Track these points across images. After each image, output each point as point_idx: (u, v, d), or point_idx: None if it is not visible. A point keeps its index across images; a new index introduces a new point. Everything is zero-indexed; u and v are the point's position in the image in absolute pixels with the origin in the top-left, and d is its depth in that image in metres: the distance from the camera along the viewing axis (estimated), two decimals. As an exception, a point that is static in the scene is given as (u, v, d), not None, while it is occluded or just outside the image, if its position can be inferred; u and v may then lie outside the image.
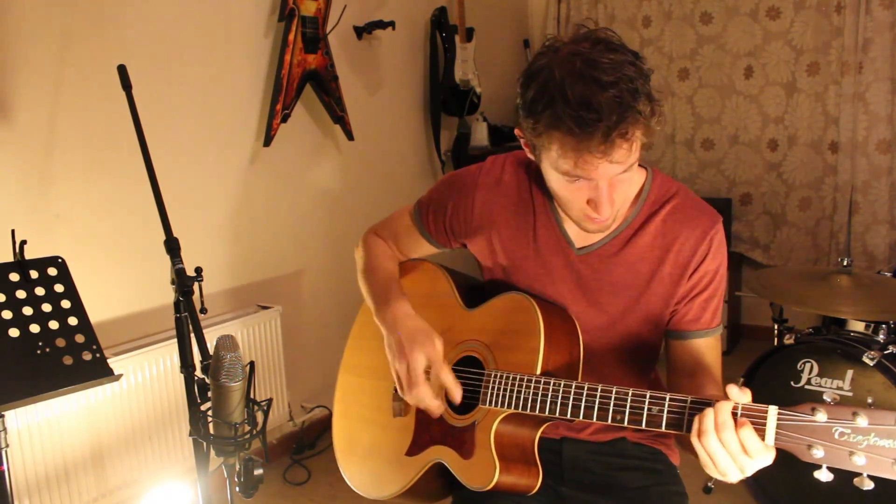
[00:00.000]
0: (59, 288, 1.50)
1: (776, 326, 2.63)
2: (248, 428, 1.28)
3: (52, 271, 1.51)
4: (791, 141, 3.96)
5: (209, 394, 1.29)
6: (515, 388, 1.25)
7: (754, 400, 1.02)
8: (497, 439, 1.27)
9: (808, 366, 2.30)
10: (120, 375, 1.51)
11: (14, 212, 2.10)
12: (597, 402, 1.15)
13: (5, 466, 1.46)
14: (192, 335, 1.40)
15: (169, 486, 2.34)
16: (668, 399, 1.09)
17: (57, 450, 2.14)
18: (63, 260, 1.53)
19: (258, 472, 1.29)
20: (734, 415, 1.00)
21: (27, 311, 1.43)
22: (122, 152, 2.32)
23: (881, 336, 2.34)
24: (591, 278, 1.34)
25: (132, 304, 2.43)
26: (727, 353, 3.97)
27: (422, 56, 3.75)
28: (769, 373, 2.39)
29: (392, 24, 3.30)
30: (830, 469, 0.95)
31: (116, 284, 2.37)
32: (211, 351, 1.28)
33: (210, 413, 1.29)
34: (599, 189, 1.16)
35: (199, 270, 1.45)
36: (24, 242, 1.48)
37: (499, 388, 1.27)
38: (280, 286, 2.99)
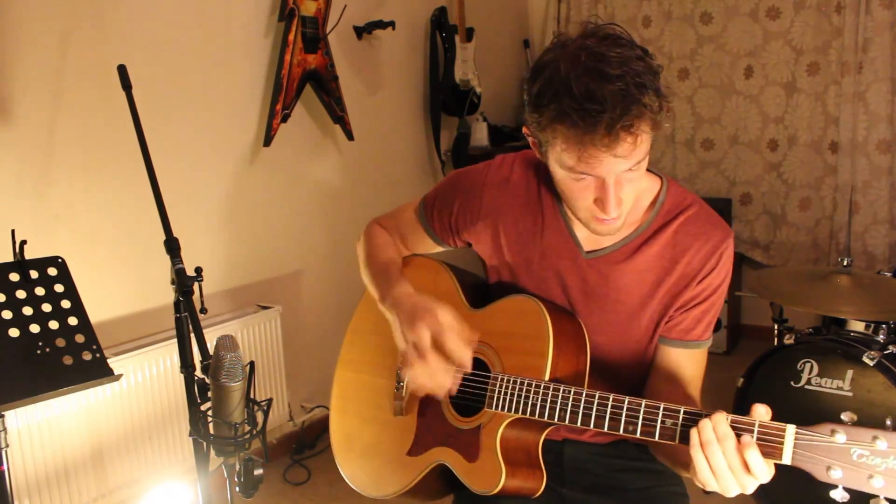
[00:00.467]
0: (59, 288, 1.50)
1: (776, 326, 2.63)
2: (248, 428, 1.28)
3: (52, 271, 1.51)
4: (791, 141, 3.96)
5: (209, 394, 1.29)
6: (523, 394, 1.23)
7: (755, 400, 1.02)
8: (503, 443, 1.26)
9: (808, 366, 2.30)
10: (120, 375, 1.51)
11: (14, 212, 2.10)
12: (608, 412, 1.14)
13: (5, 466, 1.46)
14: (192, 335, 1.40)
15: (169, 486, 2.34)
16: (682, 412, 1.08)
17: (57, 450, 2.14)
18: (63, 260, 1.53)
19: (258, 472, 1.29)
20: (747, 433, 1.00)
21: (27, 311, 1.43)
22: (122, 152, 2.32)
23: (881, 336, 2.34)
24: (597, 283, 1.32)
25: (132, 304, 2.42)
26: (727, 353, 3.97)
27: (422, 56, 3.75)
28: (769, 373, 2.39)
29: (392, 24, 3.30)
30: (846, 489, 0.95)
31: (116, 284, 2.37)
32: (211, 351, 1.28)
33: (210, 413, 1.29)
34: (606, 187, 1.14)
35: (199, 270, 1.44)
36: (24, 242, 1.48)
37: (505, 392, 1.26)
38: (280, 286, 2.99)
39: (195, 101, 2.60)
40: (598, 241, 1.32)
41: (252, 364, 1.30)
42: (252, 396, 1.29)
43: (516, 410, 1.24)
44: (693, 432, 1.02)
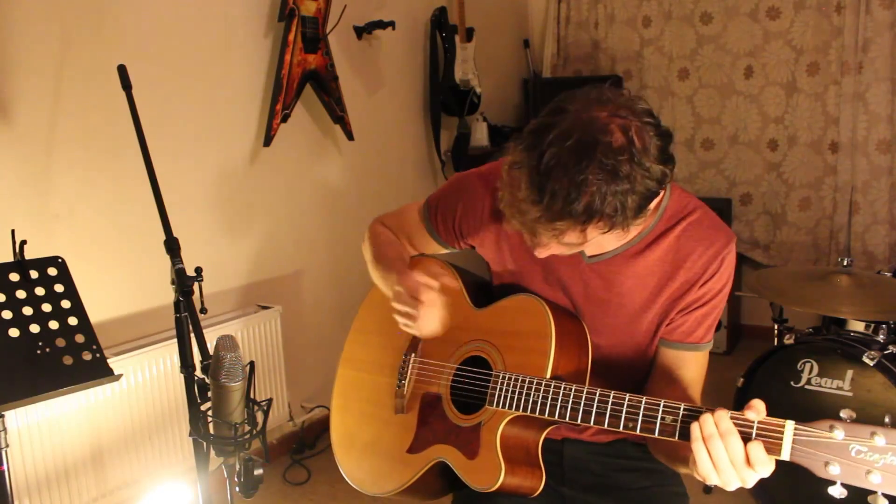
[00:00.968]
0: (59, 288, 1.50)
1: (776, 326, 2.63)
2: (248, 428, 1.28)
3: (52, 271, 1.51)
4: (791, 141, 3.96)
5: (209, 394, 1.29)
6: (524, 391, 1.24)
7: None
8: (503, 441, 1.27)
9: (808, 366, 2.30)
10: (120, 375, 1.51)
11: (14, 212, 2.10)
12: (608, 409, 1.15)
13: (5, 466, 1.46)
14: (192, 335, 1.40)
15: (169, 486, 2.34)
16: (682, 408, 1.08)
17: (57, 450, 2.14)
18: (63, 260, 1.53)
19: (258, 472, 1.29)
20: (749, 433, 1.01)
21: (27, 311, 1.43)
22: (122, 152, 2.32)
23: (881, 336, 2.34)
24: (599, 287, 1.33)
25: (132, 304, 2.42)
26: (727, 353, 3.97)
27: (422, 56, 3.75)
28: (769, 373, 2.39)
29: (392, 24, 3.30)
30: (844, 485, 0.95)
31: (116, 284, 2.37)
32: (211, 351, 1.28)
33: (210, 413, 1.29)
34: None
35: (199, 270, 1.44)
36: (24, 242, 1.48)
37: (507, 390, 1.27)
38: (280, 286, 2.99)
39: (195, 101, 2.60)
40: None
41: (252, 364, 1.30)
42: (252, 396, 1.29)
43: (517, 408, 1.25)
44: (695, 426, 1.03)
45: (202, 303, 1.41)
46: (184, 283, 1.41)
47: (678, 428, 1.08)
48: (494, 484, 1.24)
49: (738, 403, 2.41)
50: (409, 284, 1.33)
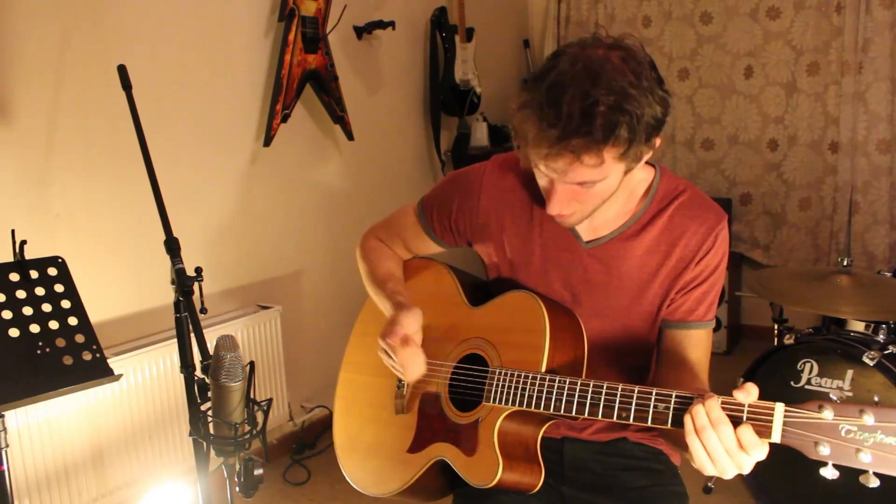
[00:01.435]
0: (59, 288, 1.50)
1: (776, 326, 2.63)
2: (248, 428, 1.28)
3: (52, 271, 1.51)
4: (791, 141, 3.96)
5: (209, 394, 1.29)
6: (520, 386, 1.25)
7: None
8: (500, 437, 1.27)
9: (808, 366, 2.30)
10: (120, 375, 1.51)
11: (14, 212, 2.10)
12: (602, 400, 1.15)
13: (5, 466, 1.46)
14: (192, 335, 1.40)
15: (169, 486, 2.34)
16: (674, 396, 1.09)
17: (57, 450, 2.14)
18: (63, 260, 1.53)
19: (258, 472, 1.29)
20: (739, 416, 1.01)
21: (27, 311, 1.43)
22: (122, 152, 2.32)
23: (881, 336, 2.34)
24: (598, 271, 1.34)
25: (132, 304, 2.42)
26: (727, 353, 3.97)
27: (422, 56, 3.75)
28: (769, 373, 2.39)
29: (392, 24, 3.30)
30: (836, 466, 0.96)
31: (116, 284, 2.37)
32: (211, 351, 1.28)
33: (210, 413, 1.29)
34: (552, 184, 1.19)
35: (199, 270, 1.44)
36: (24, 242, 1.48)
37: (503, 386, 1.27)
38: (280, 286, 2.99)
39: (195, 101, 2.60)
40: (596, 230, 1.34)
41: (252, 364, 1.30)
42: (252, 396, 1.29)
43: (513, 403, 1.25)
44: (687, 419, 1.03)
45: (202, 303, 1.41)
46: (184, 283, 1.41)
47: (671, 416, 1.08)
48: (492, 480, 1.25)
49: (738, 403, 2.41)
50: (390, 340, 1.39)
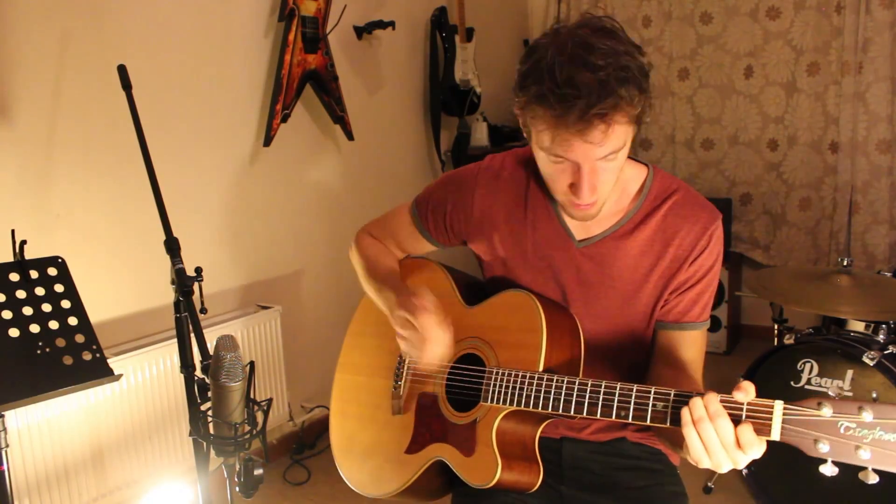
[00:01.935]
0: (59, 288, 1.50)
1: (776, 326, 2.63)
2: (248, 428, 1.28)
3: (52, 271, 1.51)
4: (791, 141, 3.96)
5: (209, 394, 1.29)
6: (517, 386, 1.25)
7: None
8: (499, 436, 1.27)
9: (808, 366, 2.30)
10: (120, 375, 1.51)
11: (14, 212, 2.10)
12: (600, 399, 1.15)
13: (5, 466, 1.46)
14: (192, 335, 1.40)
15: (169, 486, 2.34)
16: (672, 394, 1.09)
17: (57, 450, 2.14)
18: (63, 260, 1.53)
19: (258, 472, 1.29)
20: (739, 415, 1.01)
21: (27, 311, 1.43)
22: (122, 152, 2.32)
23: (881, 336, 2.34)
24: (591, 270, 1.34)
25: (132, 304, 2.43)
26: (727, 352, 3.97)
27: (422, 56, 3.75)
28: (769, 373, 2.39)
29: (392, 24, 3.30)
30: (835, 463, 0.96)
31: (116, 284, 2.37)
32: (211, 351, 1.28)
33: (210, 413, 1.29)
34: (580, 172, 1.18)
35: (199, 270, 1.45)
36: (24, 242, 1.48)
37: (500, 386, 1.27)
38: (280, 286, 3.00)
39: (195, 101, 2.60)
40: (589, 229, 1.34)
41: (252, 364, 1.31)
42: (252, 396, 1.29)
43: (510, 402, 1.25)
44: (685, 410, 1.03)
45: (202, 303, 1.42)
46: (184, 283, 1.41)
47: (669, 414, 1.08)
48: (491, 480, 1.25)
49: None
50: (408, 308, 1.33)
